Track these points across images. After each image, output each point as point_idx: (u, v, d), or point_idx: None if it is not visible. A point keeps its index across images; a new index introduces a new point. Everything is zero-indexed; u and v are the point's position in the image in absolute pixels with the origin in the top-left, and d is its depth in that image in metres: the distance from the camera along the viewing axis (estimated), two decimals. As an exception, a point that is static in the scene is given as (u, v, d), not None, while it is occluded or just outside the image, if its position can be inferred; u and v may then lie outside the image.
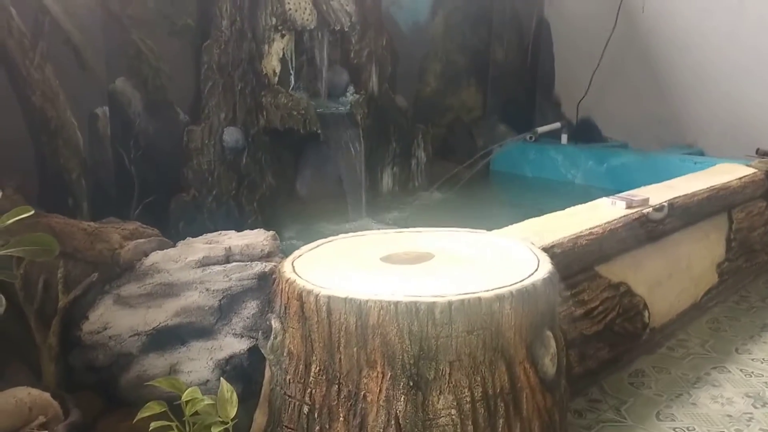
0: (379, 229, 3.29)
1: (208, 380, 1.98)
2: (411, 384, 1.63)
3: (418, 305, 1.61)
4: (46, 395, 1.77)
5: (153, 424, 1.68)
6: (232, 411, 1.73)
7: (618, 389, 2.27)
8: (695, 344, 2.64)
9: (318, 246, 2.03)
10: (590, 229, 2.38)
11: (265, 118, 3.24)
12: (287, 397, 1.77)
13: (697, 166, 3.85)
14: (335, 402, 1.69)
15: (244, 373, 1.97)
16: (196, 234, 2.66)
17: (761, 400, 2.20)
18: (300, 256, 1.94)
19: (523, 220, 2.94)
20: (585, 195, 4.08)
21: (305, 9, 3.25)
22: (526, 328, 1.72)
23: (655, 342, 2.60)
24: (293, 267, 1.85)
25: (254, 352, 1.97)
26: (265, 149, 3.31)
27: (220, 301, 1.95)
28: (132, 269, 2.00)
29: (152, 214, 3.01)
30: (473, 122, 4.54)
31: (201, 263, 1.97)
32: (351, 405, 1.67)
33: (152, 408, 1.72)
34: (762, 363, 2.47)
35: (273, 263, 2.00)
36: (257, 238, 2.04)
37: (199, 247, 2.02)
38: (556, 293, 1.86)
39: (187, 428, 1.71)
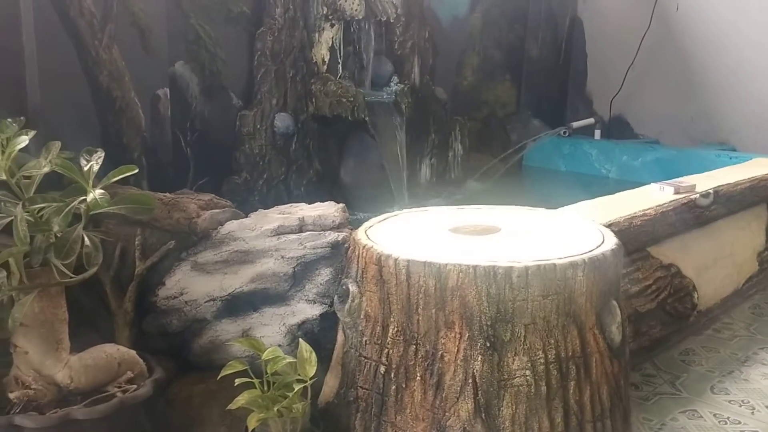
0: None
1: (280, 345, 2.04)
2: (488, 345, 1.70)
3: (496, 269, 1.68)
4: (133, 352, 1.85)
5: (237, 380, 1.76)
6: (311, 370, 1.80)
7: (670, 365, 2.34)
8: (740, 327, 2.70)
9: (386, 219, 2.10)
10: (643, 210, 2.45)
11: (314, 105, 3.32)
12: (363, 359, 1.84)
13: (733, 161, 3.92)
14: (412, 362, 1.76)
15: (315, 338, 2.04)
16: None
17: (811, 378, 2.26)
18: (371, 226, 2.02)
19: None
20: (620, 189, 4.17)
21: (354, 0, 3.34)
22: (596, 296, 1.79)
23: (701, 324, 2.66)
24: (367, 235, 1.93)
25: (326, 317, 2.05)
26: (313, 136, 3.39)
27: (294, 268, 2.03)
28: (208, 237, 2.07)
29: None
30: (507, 117, 4.61)
31: (276, 232, 2.04)
32: (428, 365, 1.74)
33: (234, 366, 1.79)
34: (809, 346, 2.53)
35: (345, 232, 2.07)
36: (328, 209, 2.12)
37: (273, 217, 2.09)
38: (621, 265, 1.93)
39: (267, 386, 1.79)
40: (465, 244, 1.87)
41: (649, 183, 4.14)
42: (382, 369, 1.80)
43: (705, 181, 2.98)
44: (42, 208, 1.53)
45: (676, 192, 2.69)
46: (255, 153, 3.19)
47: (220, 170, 3.15)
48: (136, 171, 1.61)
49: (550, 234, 1.99)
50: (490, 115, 4.50)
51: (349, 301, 1.85)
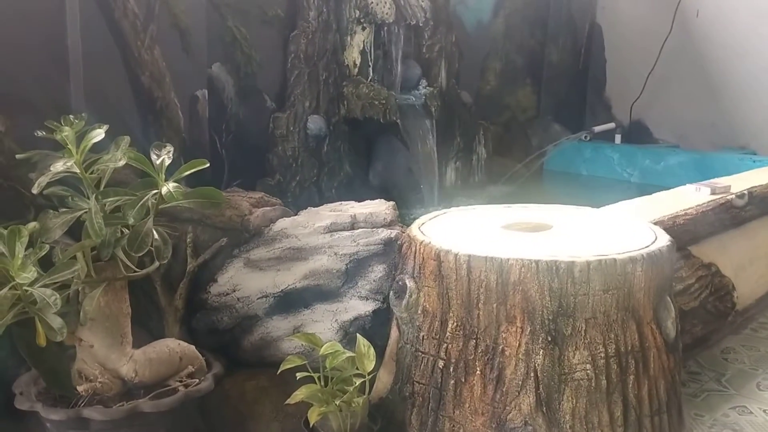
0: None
1: (330, 339, 2.05)
2: (549, 339, 1.71)
3: (558, 264, 1.70)
4: (192, 347, 1.87)
5: (299, 374, 1.77)
6: (370, 365, 1.82)
7: (714, 363, 2.35)
8: (777, 327, 2.72)
9: (436, 216, 2.12)
10: (685, 210, 2.47)
11: (345, 108, 3.34)
12: (420, 354, 1.86)
13: (756, 165, 3.94)
14: (472, 356, 1.77)
15: (367, 334, 2.04)
16: None
17: None
18: (423, 223, 2.03)
19: None
20: (643, 193, 4.18)
21: (385, 3, 3.36)
22: (653, 291, 1.80)
23: (739, 323, 2.68)
24: (422, 232, 1.94)
25: (378, 314, 2.06)
26: (344, 138, 3.41)
27: (347, 264, 2.04)
28: (260, 234, 2.09)
29: (239, 197, 3.10)
30: (528, 122, 4.63)
31: (329, 229, 2.05)
32: (488, 359, 1.75)
33: (293, 360, 1.80)
34: None
35: (396, 229, 2.09)
36: (379, 207, 2.13)
37: (325, 214, 2.11)
38: (674, 261, 1.95)
39: (325, 381, 1.80)
40: (520, 240, 1.89)
41: (671, 187, 4.19)
42: (441, 364, 1.81)
43: (738, 183, 3.00)
44: (114, 202, 1.55)
45: (713, 193, 2.71)
46: (288, 155, 3.20)
47: (253, 172, 3.16)
48: (207, 165, 1.63)
49: (603, 231, 2.01)
50: (512, 120, 4.52)
51: (407, 296, 1.86)
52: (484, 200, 3.77)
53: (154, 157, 1.59)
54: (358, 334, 1.86)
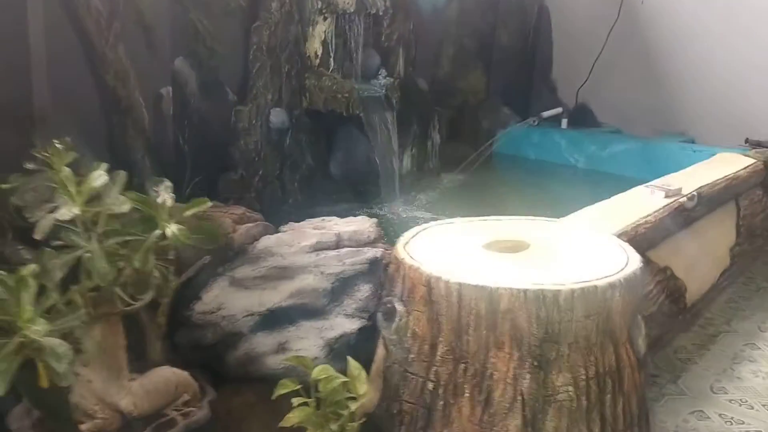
0: (410, 211, 3.45)
1: (316, 357, 2.09)
2: (535, 364, 1.80)
3: (545, 293, 1.77)
4: (186, 374, 1.87)
5: (295, 400, 1.80)
6: (362, 387, 1.87)
7: (669, 365, 2.50)
8: (721, 322, 2.90)
9: (418, 234, 2.15)
10: (645, 218, 2.59)
11: (308, 100, 3.32)
12: (409, 374, 1.91)
13: (696, 155, 4.12)
14: (461, 379, 1.84)
15: (352, 350, 2.09)
16: None
17: (795, 374, 2.47)
18: (407, 243, 2.07)
19: (540, 203, 3.24)
20: (589, 179, 4.35)
21: (347, -8, 3.33)
22: (629, 313, 1.91)
23: (688, 321, 2.84)
24: (408, 253, 1.98)
25: (363, 331, 2.11)
26: (306, 130, 3.39)
27: (333, 283, 2.07)
28: (245, 252, 2.09)
29: (202, 192, 3.06)
30: (478, 104, 4.69)
31: (314, 248, 2.07)
32: (477, 382, 1.83)
33: (287, 386, 1.83)
34: (784, 340, 2.75)
35: (381, 248, 2.12)
36: (363, 225, 2.16)
37: (309, 232, 2.12)
38: (645, 281, 2.06)
39: (317, 404, 1.84)
40: (504, 264, 1.95)
41: (615, 173, 4.36)
42: (430, 385, 1.87)
43: (685, 181, 3.15)
44: (115, 241, 1.53)
45: (667, 196, 2.84)
46: (250, 149, 3.17)
47: (216, 167, 3.13)
48: (210, 205, 1.62)
49: (577, 251, 2.09)
50: (464, 103, 4.58)
51: (397, 320, 1.90)
52: (441, 190, 3.84)
53: (153, 194, 1.57)
54: (349, 357, 1.90)
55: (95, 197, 1.52)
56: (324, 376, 1.83)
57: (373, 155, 3.60)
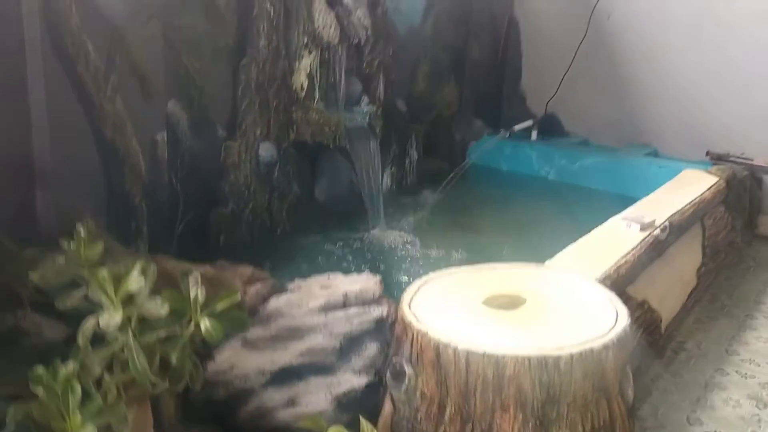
0: (397, 237, 3.55)
1: (324, 410, 2.20)
2: (538, 423, 1.94)
3: (546, 359, 1.91)
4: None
5: (312, 463, 1.91)
6: (375, 446, 1.99)
7: (647, 396, 2.68)
8: (692, 346, 3.09)
9: (419, 289, 2.27)
10: (624, 257, 2.75)
11: (295, 132, 3.39)
12: (418, 431, 2.05)
13: (662, 170, 4.31)
14: (468, 438, 1.98)
15: (360, 405, 2.21)
16: (236, 247, 3.15)
17: (762, 401, 2.66)
18: (411, 300, 2.19)
19: (519, 222, 3.50)
20: (559, 191, 4.51)
21: (331, 26, 3.39)
22: (620, 369, 2.06)
23: (662, 346, 3.03)
24: (415, 315, 2.10)
25: (370, 386, 2.22)
26: (293, 161, 3.46)
27: (341, 342, 2.18)
28: (255, 313, 2.18)
29: (194, 228, 3.13)
30: (452, 117, 4.80)
31: (323, 308, 2.18)
32: (484, 440, 1.97)
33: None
34: (750, 364, 2.94)
35: (385, 306, 2.23)
36: (368, 283, 2.26)
37: (317, 292, 2.22)
38: (633, 336, 2.22)
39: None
40: (505, 325, 2.08)
41: (584, 186, 4.52)
42: (439, 442, 2.02)
43: (655, 206, 3.32)
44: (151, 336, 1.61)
45: (642, 229, 3.00)
46: (240, 183, 3.23)
47: (207, 202, 3.18)
48: (239, 299, 1.70)
49: (570, 306, 2.23)
50: (438, 117, 4.68)
51: (406, 381, 2.03)
52: (422, 210, 3.95)
53: (185, 289, 1.65)
54: (361, 418, 2.01)
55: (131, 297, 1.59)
56: (339, 438, 1.94)
57: (355, 179, 3.69)
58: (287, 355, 2.17)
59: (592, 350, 1.96)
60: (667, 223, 3.13)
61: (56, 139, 2.44)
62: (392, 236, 3.50)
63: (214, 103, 3.11)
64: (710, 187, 3.81)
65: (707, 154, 4.56)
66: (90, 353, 1.58)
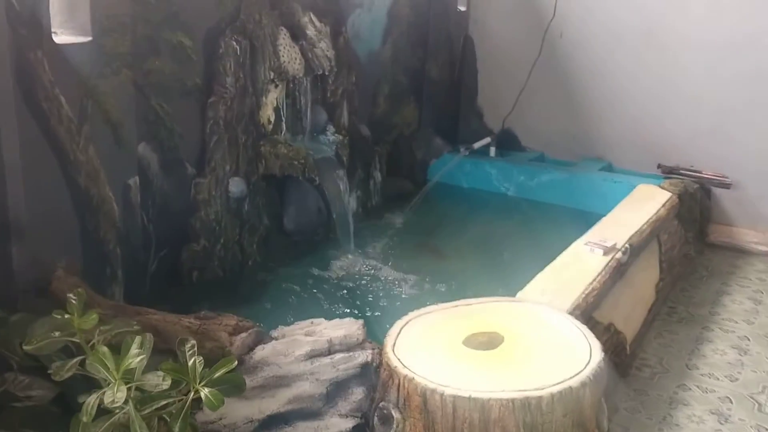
0: (369, 265, 3.61)
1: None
2: (522, 460, 2.04)
3: (529, 400, 2.01)
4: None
5: None
6: (366, 491, 2.06)
7: (617, 417, 2.80)
8: (654, 362, 3.23)
9: (401, 330, 2.34)
10: (591, 284, 2.87)
11: (264, 166, 3.42)
12: (407, 473, 2.12)
13: (617, 185, 4.48)
14: (456, 477, 2.06)
15: (347, 447, 2.27)
16: (209, 283, 3.18)
17: (723, 416, 2.81)
18: (394, 344, 2.26)
19: (486, 241, 3.66)
20: (518, 207, 4.63)
21: (296, 60, 3.43)
22: (596, 402, 2.17)
23: (627, 365, 3.16)
24: (399, 360, 2.17)
25: (356, 428, 2.28)
26: (262, 194, 3.50)
27: (327, 388, 2.23)
28: (242, 363, 2.22)
29: (167, 266, 3.15)
30: (412, 136, 4.88)
31: (308, 356, 2.23)
32: (471, 479, 2.06)
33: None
34: (710, 378, 3.10)
35: (369, 350, 2.30)
36: (351, 328, 2.32)
37: (303, 340, 2.27)
38: (606, 369, 2.32)
39: None
40: (487, 366, 2.17)
41: (543, 201, 4.66)
42: (428, 482, 2.10)
43: (614, 227, 3.46)
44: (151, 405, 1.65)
45: (605, 253, 3.13)
46: (211, 218, 3.26)
47: (178, 239, 3.20)
48: (236, 363, 1.74)
49: (545, 341, 2.33)
50: (399, 136, 4.75)
51: (394, 426, 2.10)
52: (390, 234, 4.02)
53: (183, 357, 1.69)
54: (353, 463, 2.08)
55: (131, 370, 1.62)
56: (333, 486, 2.01)
57: (323, 207, 3.75)
58: (275, 403, 2.21)
59: (570, 388, 2.07)
60: (627, 245, 3.26)
61: (30, 192, 2.44)
62: (363, 264, 3.56)
63: (183, 142, 3.12)
64: (664, 204, 3.97)
65: (659, 167, 4.75)
66: (90, 425, 1.61)
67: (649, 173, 4.70)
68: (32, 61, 2.35)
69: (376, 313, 3.08)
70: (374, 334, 2.43)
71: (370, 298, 3.25)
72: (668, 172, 4.66)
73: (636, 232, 3.45)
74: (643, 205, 3.90)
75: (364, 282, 3.39)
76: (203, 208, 3.23)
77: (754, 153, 4.47)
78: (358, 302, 3.18)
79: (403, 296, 3.28)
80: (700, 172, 4.61)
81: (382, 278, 3.43)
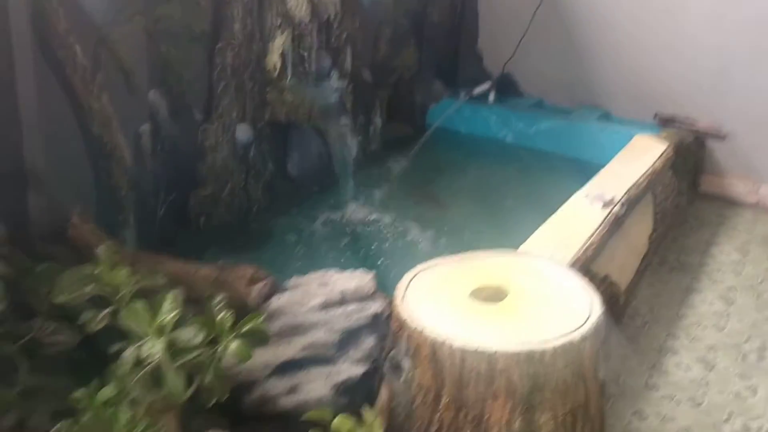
0: (369, 213, 3.69)
1: (323, 396, 2.38)
2: (524, 408, 2.16)
3: (533, 353, 2.12)
4: (224, 436, 2.12)
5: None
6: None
7: (610, 364, 2.94)
8: (646, 311, 3.36)
9: (410, 283, 2.42)
10: (590, 238, 2.97)
11: (270, 113, 3.45)
12: (415, 417, 2.24)
13: (615, 135, 4.53)
14: (462, 423, 2.19)
15: (356, 391, 2.39)
16: (216, 227, 3.21)
17: (709, 364, 2.97)
18: (403, 296, 2.35)
19: (485, 189, 3.71)
20: (516, 154, 4.70)
21: (302, 5, 3.42)
22: (595, 354, 2.29)
23: (620, 313, 3.30)
24: (409, 313, 2.27)
25: (367, 374, 2.40)
26: (268, 140, 3.53)
27: (340, 336, 2.34)
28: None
29: (175, 211, 3.21)
30: (411, 80, 4.89)
31: (322, 306, 2.33)
32: (476, 424, 2.18)
33: (315, 434, 2.13)
34: (697, 327, 3.24)
35: (379, 301, 2.40)
36: (362, 280, 2.42)
37: (316, 291, 2.37)
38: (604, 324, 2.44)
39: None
40: (492, 319, 2.27)
41: (541, 149, 4.72)
42: (434, 428, 2.22)
43: (612, 179, 3.55)
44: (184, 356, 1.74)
45: (604, 206, 3.22)
46: (218, 164, 3.30)
47: (186, 185, 3.25)
48: (264, 317, 1.83)
49: (548, 295, 2.43)
50: (399, 81, 4.76)
51: (405, 374, 2.22)
52: (390, 181, 4.08)
53: (211, 313, 1.78)
54: (365, 407, 2.20)
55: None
56: (346, 428, 2.13)
57: (326, 152, 3.80)
58: (290, 349, 2.32)
59: (572, 342, 2.18)
60: (624, 198, 3.35)
61: (47, 140, 2.47)
62: (364, 211, 3.64)
63: (192, 88, 3.14)
64: (660, 156, 4.05)
65: (656, 116, 4.80)
66: (130, 378, 1.70)
67: (647, 122, 4.76)
68: (48, 10, 2.36)
69: (379, 262, 3.17)
70: (381, 285, 2.53)
71: (372, 247, 3.34)
72: (665, 121, 4.72)
73: (633, 185, 3.54)
74: (640, 157, 3.98)
75: (365, 230, 3.48)
76: (210, 154, 3.27)
77: (753, 103, 4.51)
78: (360, 250, 3.28)
79: (405, 245, 3.37)
80: (696, 123, 4.68)
81: (383, 226, 3.51)
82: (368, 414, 2.19)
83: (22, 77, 2.34)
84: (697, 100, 4.68)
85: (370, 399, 2.37)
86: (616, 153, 4.06)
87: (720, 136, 4.64)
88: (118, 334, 1.88)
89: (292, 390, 2.38)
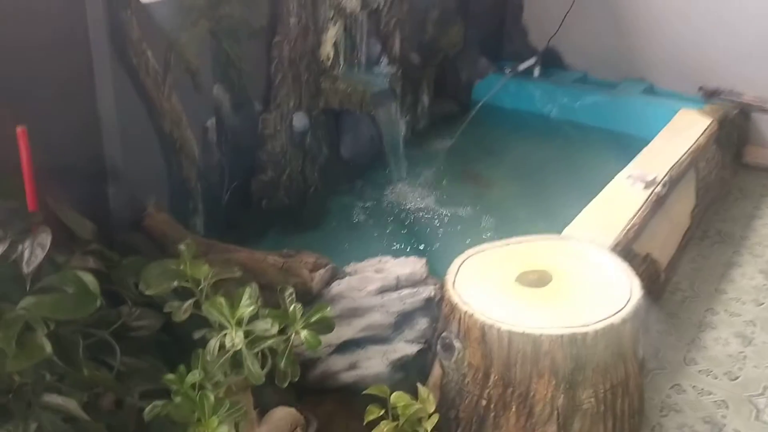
0: (419, 195, 3.86)
1: (380, 372, 2.59)
2: (567, 386, 2.35)
3: (576, 336, 2.30)
4: (293, 410, 2.36)
5: (384, 423, 2.31)
6: (431, 407, 2.40)
7: (650, 339, 3.09)
8: (686, 286, 3.49)
9: (459, 268, 2.61)
10: (632, 220, 3.10)
11: (324, 101, 3.63)
12: (465, 392, 2.45)
13: (659, 110, 4.59)
14: (509, 399, 2.39)
15: (410, 367, 2.60)
16: (277, 210, 3.42)
17: (747, 339, 3.10)
18: (454, 281, 2.54)
19: (532, 168, 3.83)
20: (561, 129, 4.80)
21: (353, -4, 3.58)
22: (635, 335, 2.46)
23: (660, 289, 3.43)
24: (460, 296, 2.46)
25: (421, 353, 2.61)
26: (322, 126, 3.73)
27: (395, 318, 2.55)
28: (321, 297, 2.53)
29: (238, 196, 3.44)
30: (456, 57, 4.99)
31: (379, 291, 2.53)
32: (522, 400, 2.38)
33: (373, 412, 2.34)
34: (737, 302, 3.36)
35: (431, 286, 2.59)
36: (416, 266, 2.61)
37: (373, 276, 2.57)
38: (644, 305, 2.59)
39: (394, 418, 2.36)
40: (538, 303, 2.45)
41: (585, 123, 4.80)
42: (483, 402, 2.42)
43: (655, 158, 3.65)
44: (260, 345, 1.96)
45: (646, 187, 3.33)
46: (276, 152, 3.50)
47: (248, 171, 3.47)
48: (329, 308, 2.04)
49: (591, 280, 2.59)
50: (444, 59, 4.87)
51: (456, 354, 2.42)
52: (438, 162, 4.24)
53: (284, 304, 1.99)
54: (419, 385, 2.41)
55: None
56: (402, 403, 2.34)
57: (377, 135, 3.98)
58: (350, 330, 2.54)
59: (612, 325, 2.35)
60: (666, 178, 3.46)
61: (124, 140, 2.69)
62: (414, 192, 3.82)
63: (251, 81, 3.33)
64: (704, 131, 4.11)
65: (700, 89, 4.84)
66: (213, 364, 1.93)
67: (691, 95, 4.80)
68: (123, 21, 2.56)
69: (430, 246, 3.36)
70: (431, 267, 2.71)
71: (423, 230, 3.52)
72: (709, 95, 4.76)
73: (676, 164, 3.63)
74: (683, 133, 4.05)
75: (414, 212, 3.66)
76: (269, 141, 3.48)
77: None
78: (411, 233, 3.47)
79: (454, 227, 3.55)
80: (741, 96, 4.70)
81: (432, 208, 3.70)
82: (422, 390, 2.41)
83: (101, 84, 2.56)
84: (742, 72, 4.70)
85: (423, 375, 2.59)
86: (661, 127, 4.13)
87: (766, 109, 4.66)
88: (198, 321, 2.12)
89: (352, 366, 2.61)
